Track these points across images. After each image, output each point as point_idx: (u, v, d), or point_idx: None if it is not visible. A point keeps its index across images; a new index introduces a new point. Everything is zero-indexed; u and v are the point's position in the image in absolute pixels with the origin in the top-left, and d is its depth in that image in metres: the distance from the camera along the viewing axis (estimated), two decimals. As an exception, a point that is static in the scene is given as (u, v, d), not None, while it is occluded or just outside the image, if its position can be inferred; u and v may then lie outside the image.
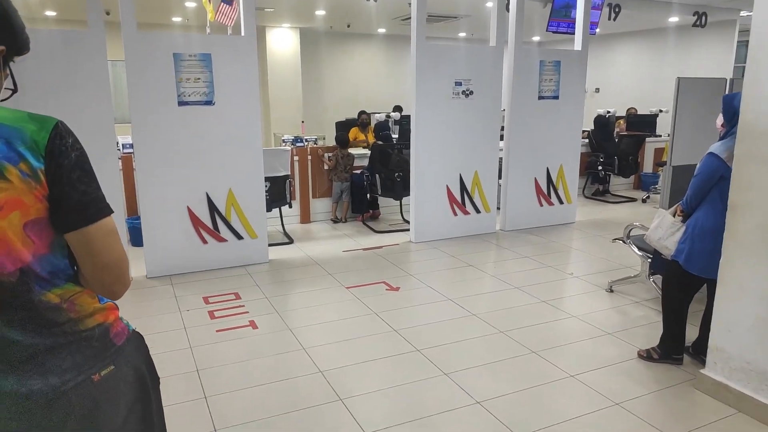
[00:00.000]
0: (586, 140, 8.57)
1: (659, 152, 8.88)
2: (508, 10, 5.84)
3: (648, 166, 8.97)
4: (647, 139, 8.67)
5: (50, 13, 8.99)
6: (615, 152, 7.95)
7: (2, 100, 1.13)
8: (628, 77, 12.48)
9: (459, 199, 5.94)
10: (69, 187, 1.05)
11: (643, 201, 8.04)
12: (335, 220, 6.67)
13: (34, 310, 1.05)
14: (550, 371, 3.10)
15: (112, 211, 1.13)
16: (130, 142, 5.49)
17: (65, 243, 1.10)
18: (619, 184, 8.75)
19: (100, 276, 1.12)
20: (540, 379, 3.01)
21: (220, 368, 3.17)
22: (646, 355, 3.19)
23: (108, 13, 4.18)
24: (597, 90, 12.93)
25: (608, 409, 2.72)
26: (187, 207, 4.74)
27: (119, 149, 6.01)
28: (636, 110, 9.76)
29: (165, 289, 4.46)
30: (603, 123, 8.30)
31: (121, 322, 1.22)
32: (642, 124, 9.12)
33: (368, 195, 6.48)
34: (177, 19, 9.81)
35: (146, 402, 1.23)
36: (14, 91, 1.16)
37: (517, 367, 3.16)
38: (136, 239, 5.28)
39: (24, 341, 1.04)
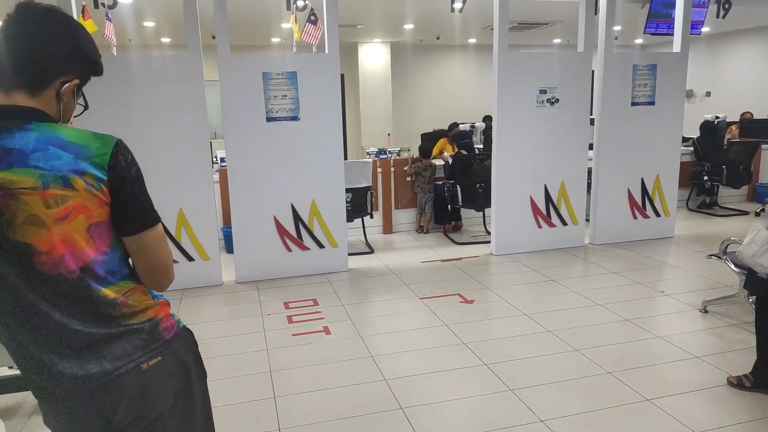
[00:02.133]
0: (691, 148, 7.98)
1: (778, 160, 8.03)
2: (596, 13, 5.61)
3: (765, 176, 8.14)
4: (763, 146, 7.88)
5: (165, 40, 9.92)
6: (723, 161, 7.30)
7: (76, 116, 1.32)
8: (743, 79, 11.40)
9: (544, 210, 5.76)
10: (132, 197, 1.23)
11: (757, 214, 7.24)
12: (419, 231, 6.71)
13: (93, 303, 1.21)
14: (624, 393, 2.92)
15: (159, 220, 1.30)
16: (227, 155, 5.92)
17: (122, 244, 1.26)
18: (730, 195, 8.02)
19: (150, 274, 1.30)
20: (612, 402, 2.85)
21: (292, 371, 3.32)
22: (737, 383, 2.91)
23: (213, 37, 4.58)
24: (708, 94, 11.94)
25: (686, 438, 2.53)
26: (274, 217, 5.01)
27: (217, 162, 6.49)
28: (752, 115, 8.91)
29: (251, 293, 4.74)
30: (710, 129, 7.66)
31: (172, 319, 1.35)
32: (759, 130, 8.30)
33: (449, 206, 6.46)
34: (276, 40, 10.41)
35: (189, 394, 1.35)
36: (85, 108, 1.35)
37: (587, 387, 3.02)
38: (229, 246, 5.65)
39: (83, 330, 1.20)
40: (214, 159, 6.58)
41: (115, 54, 5.08)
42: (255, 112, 4.79)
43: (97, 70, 1.29)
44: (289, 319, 4.13)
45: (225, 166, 5.99)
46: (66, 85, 1.22)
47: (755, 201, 7.95)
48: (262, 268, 5.06)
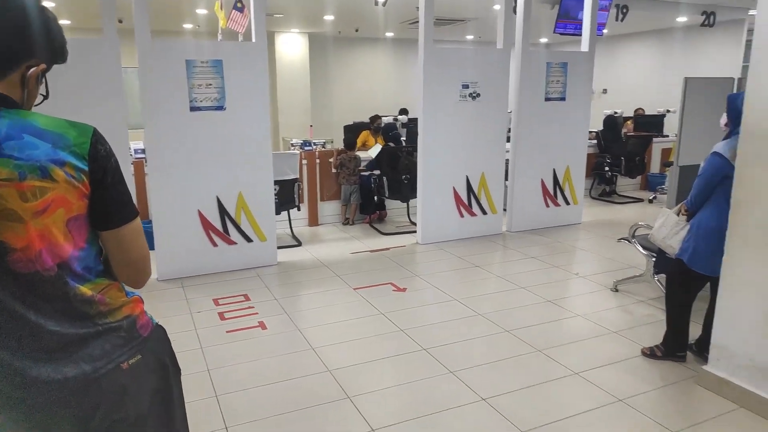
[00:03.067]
0: (594, 141, 8.59)
1: (666, 152, 8.87)
2: (515, 12, 5.89)
3: (655, 167, 8.96)
4: (654, 140, 8.67)
5: (65, 22, 9.17)
6: (622, 153, 7.96)
7: (36, 105, 1.23)
8: (636, 78, 12.47)
9: (466, 200, 5.99)
10: (112, 189, 1.17)
11: (650, 201, 8.04)
12: (345, 223, 6.74)
13: (69, 302, 1.14)
14: (554, 369, 3.14)
15: (138, 213, 1.25)
16: (142, 147, 5.61)
17: (97, 239, 1.20)
18: (626, 184, 8.75)
19: (127, 269, 1.25)
20: (544, 377, 3.05)
21: (231, 368, 3.24)
22: (650, 353, 3.23)
23: (121, 21, 4.27)
24: (605, 91, 12.92)
25: (611, 405, 2.76)
26: (198, 211, 4.83)
27: (131, 155, 6.13)
28: (644, 111, 9.76)
29: (176, 291, 4.55)
30: (612, 123, 8.29)
31: (146, 315, 1.30)
32: (649, 125, 9.12)
33: (375, 197, 6.54)
34: (188, 26, 9.95)
35: (168, 391, 1.31)
36: (45, 97, 1.25)
37: (521, 365, 3.21)
38: (148, 243, 5.37)
39: (60, 331, 1.12)
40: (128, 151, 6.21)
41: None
42: (178, 101, 4.57)
43: (63, 55, 1.22)
44: (221, 315, 4.01)
45: (141, 158, 5.70)
46: (32, 69, 1.14)
47: (648, 189, 8.74)
48: (186, 264, 4.86)
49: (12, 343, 1.09)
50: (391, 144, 6.70)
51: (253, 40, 4.76)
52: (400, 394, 2.93)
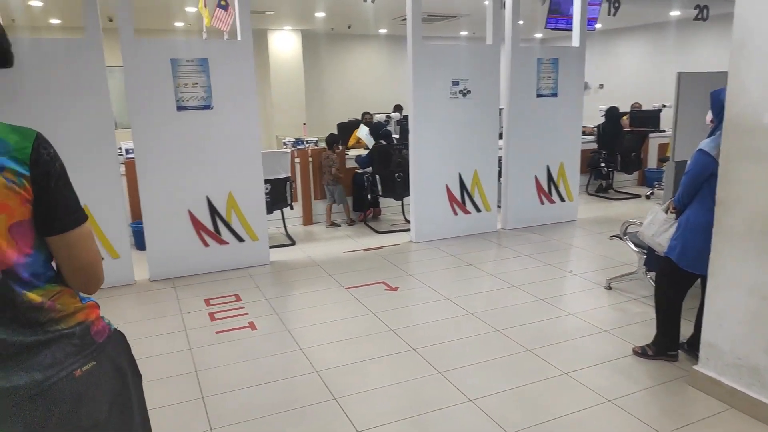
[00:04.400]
0: (590, 136, 8.56)
1: (663, 148, 8.83)
2: (503, 7, 5.84)
3: (652, 162, 8.93)
4: (651, 135, 8.63)
5: (55, 21, 9.11)
6: (619, 148, 7.90)
7: None
8: (632, 73, 12.41)
9: (459, 198, 5.96)
10: (56, 194, 1.14)
11: (647, 197, 8.00)
12: (330, 225, 6.55)
13: (17, 309, 1.11)
14: (543, 369, 3.11)
15: (87, 218, 1.21)
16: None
17: (45, 245, 1.16)
18: (623, 180, 8.72)
19: (77, 275, 1.21)
20: (533, 377, 3.02)
21: (218, 369, 3.21)
22: (641, 352, 3.20)
23: (111, 20, 4.24)
24: (601, 86, 12.86)
25: (600, 406, 2.73)
26: (188, 210, 4.80)
27: (122, 154, 6.09)
28: (640, 105, 9.70)
29: (167, 291, 4.52)
30: (615, 116, 8.13)
31: (103, 321, 1.27)
32: (645, 120, 9.07)
33: (369, 195, 6.51)
34: (179, 24, 9.89)
35: (126, 397, 1.28)
36: None
37: (511, 365, 3.18)
38: (140, 243, 5.35)
39: (7, 339, 1.09)
40: (119, 151, 6.17)
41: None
42: (164, 100, 4.54)
43: (7, 60, 1.18)
44: (212, 316, 3.98)
45: (131, 158, 5.66)
46: None
47: (645, 185, 8.71)
48: (177, 264, 4.83)
49: None
50: (383, 142, 6.64)
51: (239, 38, 4.72)
52: (388, 395, 2.90)
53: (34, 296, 1.13)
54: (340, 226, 6.60)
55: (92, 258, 1.23)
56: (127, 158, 5.85)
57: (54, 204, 1.14)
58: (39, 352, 1.13)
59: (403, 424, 2.62)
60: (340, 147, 6.69)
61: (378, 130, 6.95)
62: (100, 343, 1.23)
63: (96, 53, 4.26)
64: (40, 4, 7.56)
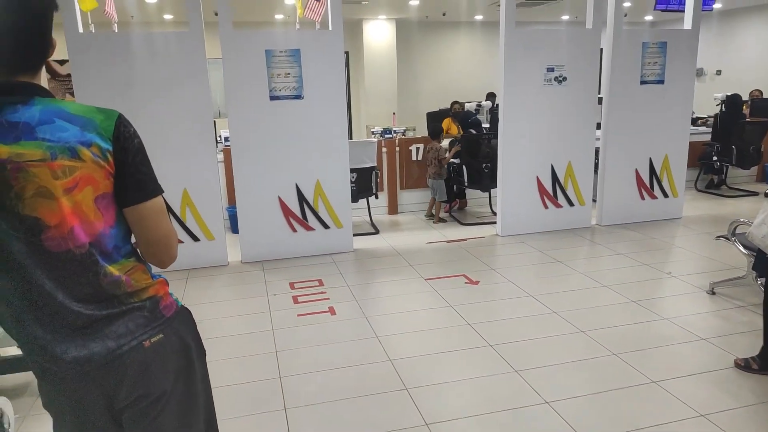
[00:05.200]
0: (701, 127, 7.85)
1: (789, 141, 7.91)
2: (607, -11, 5.48)
3: (774, 157, 8.03)
4: (774, 126, 7.75)
5: (168, 17, 9.80)
6: (736, 141, 7.15)
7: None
8: (754, 57, 11.18)
9: (550, 191, 5.71)
10: (133, 167, 1.23)
11: (766, 195, 7.20)
12: (437, 222, 6.31)
13: (98, 282, 1.20)
14: (630, 375, 2.92)
15: (163, 191, 1.30)
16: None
17: (125, 220, 1.26)
18: (738, 176, 7.93)
19: (151, 248, 1.30)
20: (618, 383, 2.84)
21: (297, 351, 3.33)
22: (744, 365, 2.90)
23: (216, 14, 4.51)
24: (718, 72, 11.76)
25: (692, 420, 2.52)
26: (278, 197, 4.99)
27: (221, 142, 6.45)
28: (761, 93, 8.75)
29: (256, 274, 4.74)
30: (736, 104, 7.32)
31: (171, 297, 1.35)
32: (767, 110, 8.16)
33: (455, 186, 6.41)
34: (279, 17, 10.26)
35: (191, 371, 1.35)
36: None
37: (594, 368, 3.01)
38: (234, 226, 5.65)
39: (83, 311, 1.19)
40: (218, 138, 6.54)
41: (116, 30, 5.00)
42: (258, 90, 4.73)
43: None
44: (295, 299, 4.13)
45: (229, 146, 5.97)
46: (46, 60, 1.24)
47: (765, 181, 7.87)
48: (267, 248, 5.05)
49: (44, 318, 1.17)
50: (472, 131, 6.51)
51: (330, 28, 4.80)
52: (459, 390, 2.85)
53: (113, 269, 1.22)
54: (442, 221, 6.39)
55: (164, 232, 1.30)
56: (225, 146, 6.19)
57: (131, 176, 1.23)
58: (113, 322, 1.22)
59: (472, 421, 2.57)
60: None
61: (467, 119, 6.81)
62: (168, 317, 1.30)
63: (198, 45, 4.52)
64: (155, 0, 8.15)
